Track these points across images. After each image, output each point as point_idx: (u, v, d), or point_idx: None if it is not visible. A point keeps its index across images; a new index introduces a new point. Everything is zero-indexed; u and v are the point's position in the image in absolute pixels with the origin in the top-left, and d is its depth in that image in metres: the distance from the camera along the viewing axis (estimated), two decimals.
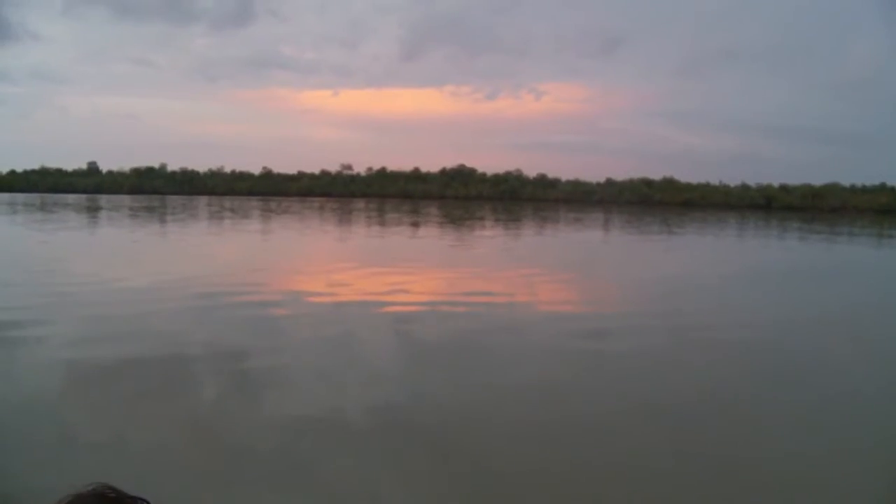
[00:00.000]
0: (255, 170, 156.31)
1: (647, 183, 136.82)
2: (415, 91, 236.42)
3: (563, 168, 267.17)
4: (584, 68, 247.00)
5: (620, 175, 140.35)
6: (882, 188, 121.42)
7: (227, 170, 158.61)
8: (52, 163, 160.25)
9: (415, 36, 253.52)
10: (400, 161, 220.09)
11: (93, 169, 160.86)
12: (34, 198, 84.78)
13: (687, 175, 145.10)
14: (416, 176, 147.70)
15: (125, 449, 4.91)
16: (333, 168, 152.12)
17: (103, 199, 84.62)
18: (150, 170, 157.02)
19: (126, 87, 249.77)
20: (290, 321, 9.52)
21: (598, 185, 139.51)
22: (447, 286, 12.83)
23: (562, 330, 9.37)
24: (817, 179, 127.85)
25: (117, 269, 14.20)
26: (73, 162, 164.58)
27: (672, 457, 4.94)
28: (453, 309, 10.60)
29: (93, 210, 48.54)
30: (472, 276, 14.59)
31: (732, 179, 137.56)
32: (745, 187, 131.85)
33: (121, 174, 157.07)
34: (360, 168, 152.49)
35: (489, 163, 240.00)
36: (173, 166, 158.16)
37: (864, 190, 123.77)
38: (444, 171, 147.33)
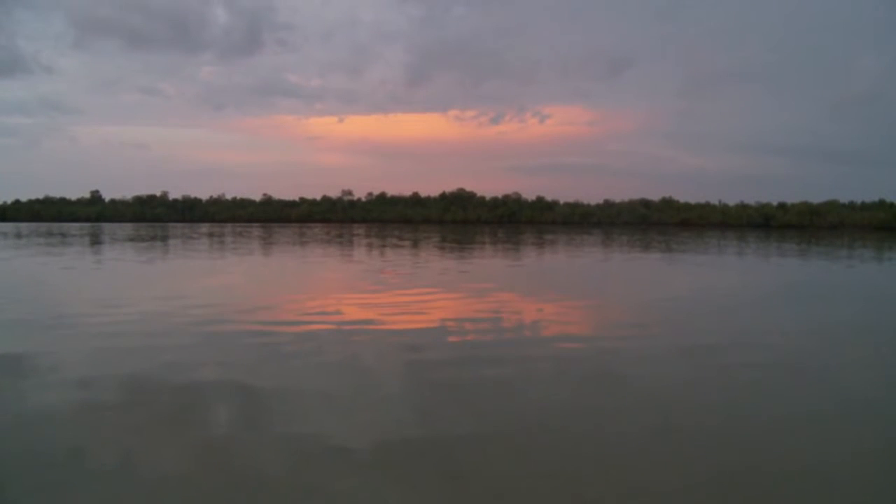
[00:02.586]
0: (261, 197, 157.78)
1: (646, 203, 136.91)
2: (420, 116, 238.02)
3: (570, 190, 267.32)
4: (589, 91, 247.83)
5: (626, 196, 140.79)
6: (881, 205, 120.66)
7: (229, 197, 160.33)
8: (61, 192, 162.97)
9: (421, 62, 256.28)
10: (405, 186, 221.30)
11: (96, 198, 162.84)
12: (24, 227, 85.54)
13: (689, 195, 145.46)
14: (415, 201, 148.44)
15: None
16: (337, 194, 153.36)
17: (97, 228, 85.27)
18: (151, 198, 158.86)
19: (134, 116, 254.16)
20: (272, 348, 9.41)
21: (597, 206, 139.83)
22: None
23: (571, 351, 9.25)
24: (817, 197, 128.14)
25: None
26: (80, 191, 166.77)
27: (688, 481, 4.93)
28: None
29: (66, 239, 48.77)
30: (457, 301, 14.30)
31: (733, 198, 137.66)
32: (743, 206, 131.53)
33: (123, 203, 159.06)
34: (361, 193, 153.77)
35: (494, 187, 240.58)
36: (181, 193, 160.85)
37: (864, 206, 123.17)
38: (443, 196, 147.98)
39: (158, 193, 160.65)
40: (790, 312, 13.70)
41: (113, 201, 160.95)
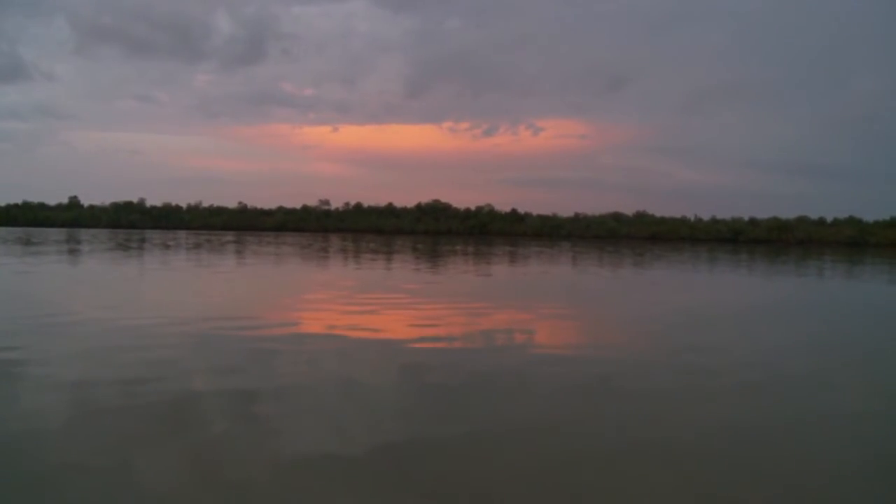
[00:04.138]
0: (236, 204, 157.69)
1: (616, 217, 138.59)
2: (414, 127, 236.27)
3: (565, 202, 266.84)
4: (584, 106, 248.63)
5: (611, 209, 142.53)
6: (850, 221, 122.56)
7: (206, 204, 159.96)
8: (55, 198, 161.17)
9: (415, 73, 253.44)
10: (397, 197, 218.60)
11: (73, 203, 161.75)
12: None
13: (671, 209, 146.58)
14: (388, 211, 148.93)
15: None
16: (315, 203, 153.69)
17: (62, 234, 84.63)
18: (128, 204, 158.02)
19: (128, 123, 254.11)
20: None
21: (567, 219, 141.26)
22: None
23: (558, 368, 9.34)
24: (798, 212, 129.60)
25: None
26: (65, 196, 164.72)
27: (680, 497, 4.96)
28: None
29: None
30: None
31: (724, 213, 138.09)
32: (714, 221, 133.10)
33: (100, 208, 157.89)
34: (350, 202, 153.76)
35: (484, 198, 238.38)
36: (174, 201, 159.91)
37: (835, 222, 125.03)
38: (418, 206, 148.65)
39: (136, 200, 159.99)
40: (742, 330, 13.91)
41: (91, 207, 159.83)
